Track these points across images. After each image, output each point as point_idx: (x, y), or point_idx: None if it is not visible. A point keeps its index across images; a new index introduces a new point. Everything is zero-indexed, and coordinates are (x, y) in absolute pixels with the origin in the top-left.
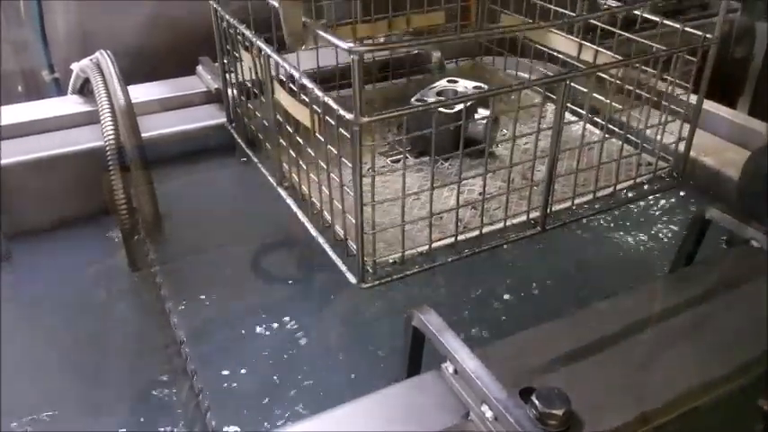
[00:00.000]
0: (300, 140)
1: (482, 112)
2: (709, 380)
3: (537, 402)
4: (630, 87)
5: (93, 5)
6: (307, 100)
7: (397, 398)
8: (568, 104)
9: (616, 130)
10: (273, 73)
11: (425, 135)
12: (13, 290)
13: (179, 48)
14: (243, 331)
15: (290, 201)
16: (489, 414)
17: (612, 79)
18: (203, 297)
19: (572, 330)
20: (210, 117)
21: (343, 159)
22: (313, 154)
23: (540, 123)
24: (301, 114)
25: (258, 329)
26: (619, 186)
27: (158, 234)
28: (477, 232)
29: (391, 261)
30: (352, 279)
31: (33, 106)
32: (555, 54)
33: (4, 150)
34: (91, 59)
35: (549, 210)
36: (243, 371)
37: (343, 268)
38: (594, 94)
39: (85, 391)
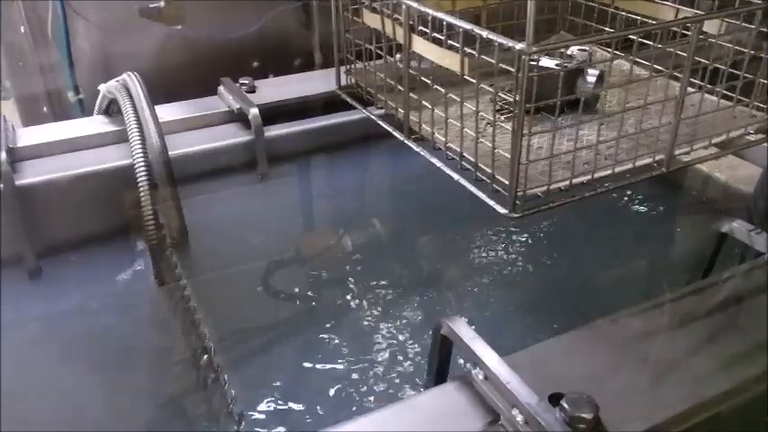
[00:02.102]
0: (440, 88)
1: (590, 72)
2: (729, 388)
3: (566, 407)
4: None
5: (115, 29)
6: (455, 44)
7: (428, 404)
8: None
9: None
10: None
11: (540, 93)
12: (42, 305)
13: (200, 69)
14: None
15: (423, 152)
16: (520, 418)
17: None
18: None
19: (595, 339)
20: (233, 136)
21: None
22: (458, 99)
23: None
24: (447, 59)
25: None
26: (732, 134)
27: (185, 248)
28: (610, 171)
29: (539, 193)
30: (503, 210)
31: (61, 126)
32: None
33: (34, 169)
34: (117, 81)
35: (672, 152)
36: None
37: (491, 202)
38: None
39: (115, 400)
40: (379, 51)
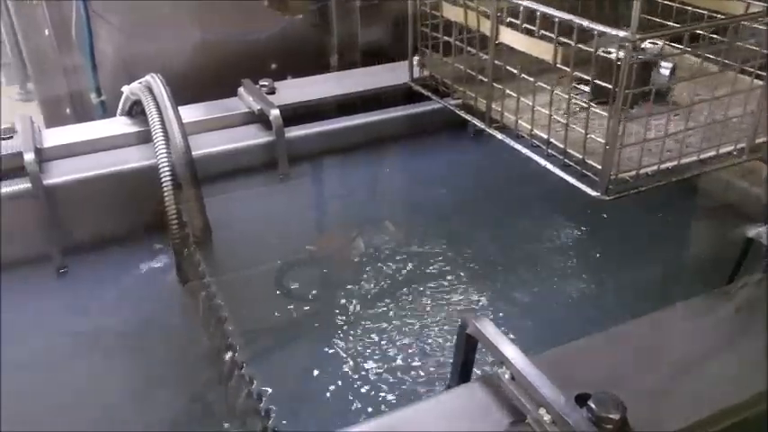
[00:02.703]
0: (528, 77)
1: (663, 64)
2: (756, 393)
3: (593, 407)
4: None
5: (137, 32)
6: (548, 34)
7: (455, 402)
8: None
9: None
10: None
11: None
12: (68, 302)
13: (219, 71)
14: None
15: (506, 139)
16: (547, 417)
17: None
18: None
19: (620, 341)
20: (254, 137)
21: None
22: (548, 87)
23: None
24: (538, 49)
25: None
26: None
27: (208, 247)
28: (695, 157)
29: (628, 177)
30: (594, 193)
31: (85, 127)
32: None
33: (60, 169)
34: (140, 82)
35: (754, 141)
36: None
37: (582, 186)
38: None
39: (139, 396)
40: (458, 43)
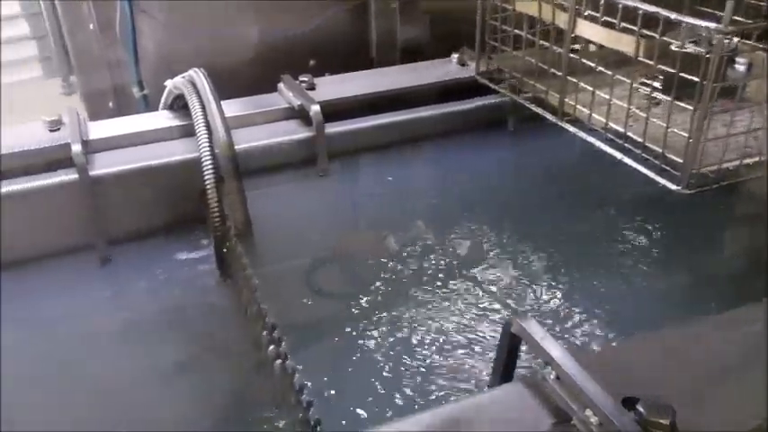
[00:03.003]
0: (606, 71)
1: (739, 60)
2: None
3: (642, 411)
4: None
5: (179, 28)
6: (630, 27)
7: (497, 401)
8: None
9: None
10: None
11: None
12: (111, 291)
13: (259, 67)
14: None
15: (580, 133)
16: (594, 420)
17: None
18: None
19: (666, 344)
20: (293, 132)
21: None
22: (628, 80)
23: None
24: (618, 42)
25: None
26: None
27: (249, 240)
28: None
29: (708, 172)
30: (675, 186)
31: (129, 120)
32: None
33: (105, 161)
34: (184, 77)
35: None
36: None
37: (661, 180)
38: None
39: (179, 387)
40: (529, 36)
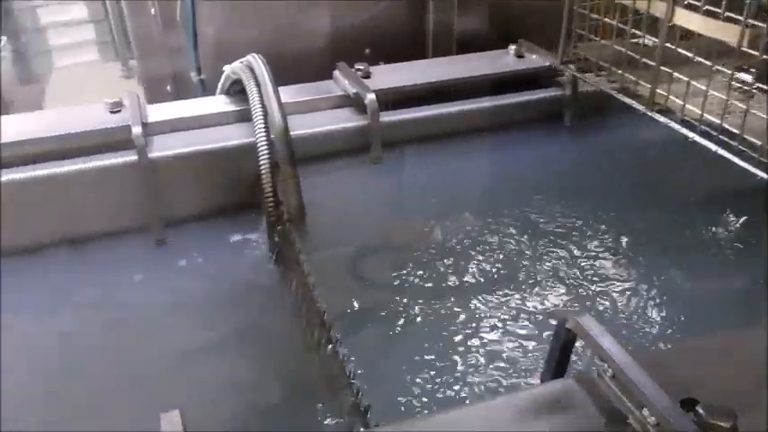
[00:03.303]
0: (704, 61)
1: None
2: None
3: (702, 413)
4: None
5: (237, 14)
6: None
7: (553, 396)
8: None
9: None
10: None
11: None
12: (166, 271)
13: (315, 54)
14: None
15: (671, 123)
16: (652, 420)
17: None
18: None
19: (726, 347)
20: (348, 120)
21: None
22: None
23: None
24: (720, 31)
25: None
26: None
27: (302, 225)
28: None
29: None
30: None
31: (187, 104)
32: None
33: (163, 143)
34: (242, 62)
35: None
36: None
37: (762, 173)
38: None
39: (229, 366)
40: (620, 25)
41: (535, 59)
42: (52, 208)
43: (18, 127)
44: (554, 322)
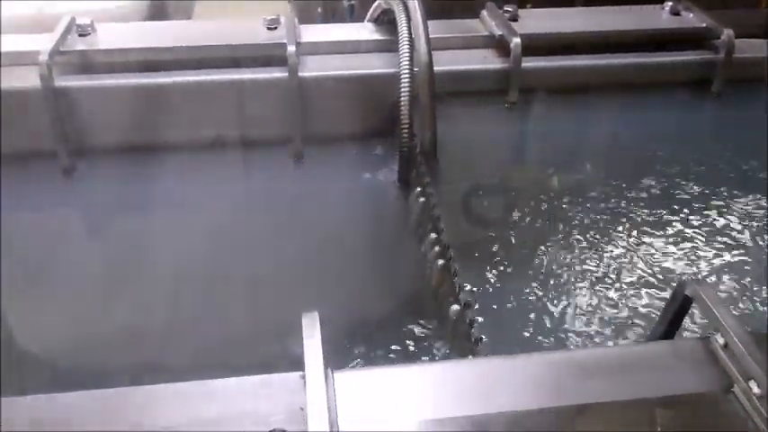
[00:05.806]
0: None
1: None
2: None
3: None
4: None
5: None
6: None
7: (661, 354)
8: None
9: None
10: None
11: None
12: (300, 188)
13: None
14: None
15: None
16: (757, 391)
17: None
18: None
19: None
20: (489, 61)
21: None
22: None
23: None
24: None
25: None
26: None
27: (433, 158)
28: None
29: None
30: None
31: (336, 28)
32: None
33: (311, 64)
34: None
35: None
36: None
37: None
38: None
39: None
40: None
41: (692, 18)
42: (206, 112)
43: (177, 33)
44: (673, 284)
